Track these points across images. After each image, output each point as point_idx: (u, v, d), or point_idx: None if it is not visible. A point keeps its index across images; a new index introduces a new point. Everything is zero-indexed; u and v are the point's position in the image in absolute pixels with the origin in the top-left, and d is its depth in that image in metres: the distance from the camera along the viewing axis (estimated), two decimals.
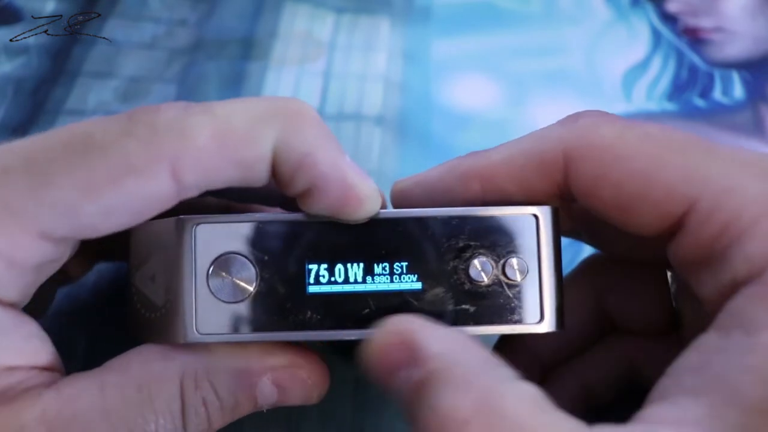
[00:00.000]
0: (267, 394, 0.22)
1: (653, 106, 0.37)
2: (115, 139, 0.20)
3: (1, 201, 0.20)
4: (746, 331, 0.17)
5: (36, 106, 0.36)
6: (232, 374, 0.21)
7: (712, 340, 0.18)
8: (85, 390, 0.20)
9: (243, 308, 0.21)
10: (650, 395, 0.19)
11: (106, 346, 0.22)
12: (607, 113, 0.22)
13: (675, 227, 0.20)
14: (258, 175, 0.21)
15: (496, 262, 0.22)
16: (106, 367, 0.21)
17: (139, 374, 0.21)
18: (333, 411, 0.27)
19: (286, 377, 0.22)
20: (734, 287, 0.18)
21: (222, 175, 0.21)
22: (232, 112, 0.21)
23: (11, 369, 0.20)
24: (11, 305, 0.21)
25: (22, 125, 0.36)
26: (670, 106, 0.37)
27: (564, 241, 0.23)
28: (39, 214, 0.20)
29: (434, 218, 0.22)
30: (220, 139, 0.20)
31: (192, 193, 0.21)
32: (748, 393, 0.17)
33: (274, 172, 0.21)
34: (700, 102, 0.38)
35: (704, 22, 0.41)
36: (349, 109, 0.37)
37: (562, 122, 0.22)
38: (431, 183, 0.23)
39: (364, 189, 0.21)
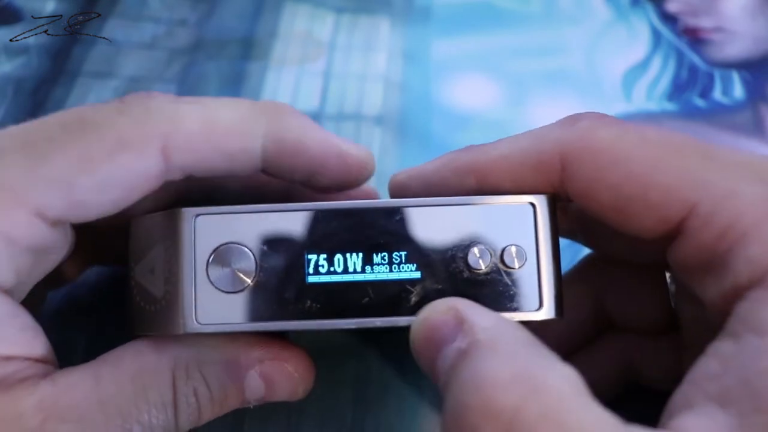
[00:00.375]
0: (254, 387, 0.22)
1: (653, 106, 0.37)
2: (110, 117, 0.21)
3: None
4: (758, 334, 0.17)
5: (36, 106, 0.36)
6: (222, 365, 0.22)
7: (727, 346, 0.18)
8: (81, 381, 0.21)
9: (243, 298, 0.21)
10: (672, 402, 0.18)
11: (106, 346, 0.22)
12: (605, 116, 0.22)
13: (674, 231, 0.20)
14: (244, 165, 0.22)
15: (495, 250, 0.22)
16: (101, 360, 0.22)
17: (133, 366, 0.21)
18: (333, 410, 0.27)
19: (273, 370, 0.22)
20: (737, 291, 0.18)
21: (209, 161, 0.22)
22: (222, 106, 0.22)
23: (7, 359, 0.21)
24: (6, 292, 0.21)
25: None
26: (670, 106, 0.37)
27: (563, 242, 0.23)
28: (35, 190, 0.20)
29: (432, 207, 0.22)
30: (209, 126, 0.22)
31: (177, 175, 0.22)
32: None
33: (273, 166, 0.23)
34: (700, 102, 0.38)
35: (704, 22, 0.41)
36: (349, 109, 0.37)
37: (560, 123, 0.22)
38: (427, 176, 0.24)
39: (361, 152, 0.24)
